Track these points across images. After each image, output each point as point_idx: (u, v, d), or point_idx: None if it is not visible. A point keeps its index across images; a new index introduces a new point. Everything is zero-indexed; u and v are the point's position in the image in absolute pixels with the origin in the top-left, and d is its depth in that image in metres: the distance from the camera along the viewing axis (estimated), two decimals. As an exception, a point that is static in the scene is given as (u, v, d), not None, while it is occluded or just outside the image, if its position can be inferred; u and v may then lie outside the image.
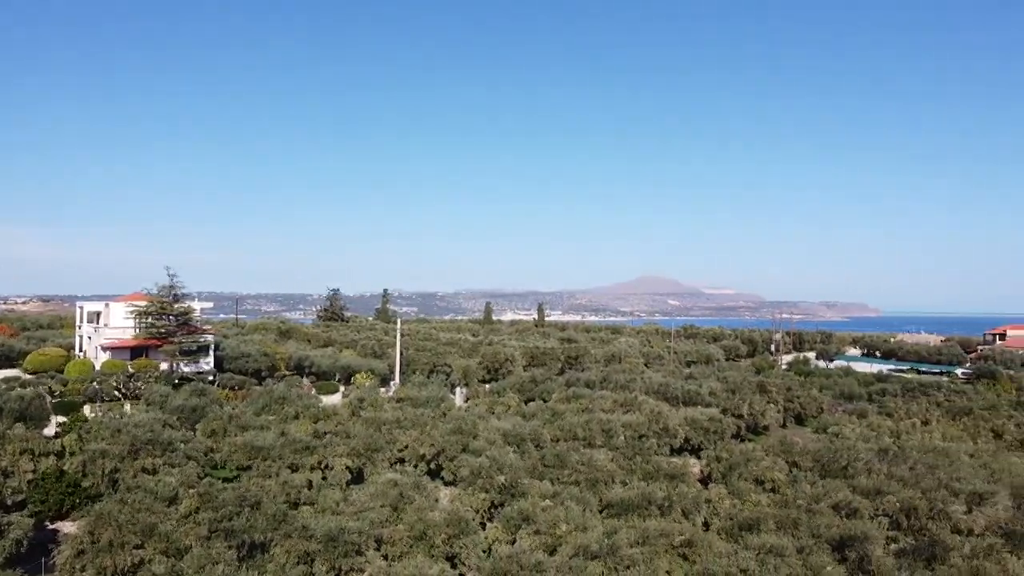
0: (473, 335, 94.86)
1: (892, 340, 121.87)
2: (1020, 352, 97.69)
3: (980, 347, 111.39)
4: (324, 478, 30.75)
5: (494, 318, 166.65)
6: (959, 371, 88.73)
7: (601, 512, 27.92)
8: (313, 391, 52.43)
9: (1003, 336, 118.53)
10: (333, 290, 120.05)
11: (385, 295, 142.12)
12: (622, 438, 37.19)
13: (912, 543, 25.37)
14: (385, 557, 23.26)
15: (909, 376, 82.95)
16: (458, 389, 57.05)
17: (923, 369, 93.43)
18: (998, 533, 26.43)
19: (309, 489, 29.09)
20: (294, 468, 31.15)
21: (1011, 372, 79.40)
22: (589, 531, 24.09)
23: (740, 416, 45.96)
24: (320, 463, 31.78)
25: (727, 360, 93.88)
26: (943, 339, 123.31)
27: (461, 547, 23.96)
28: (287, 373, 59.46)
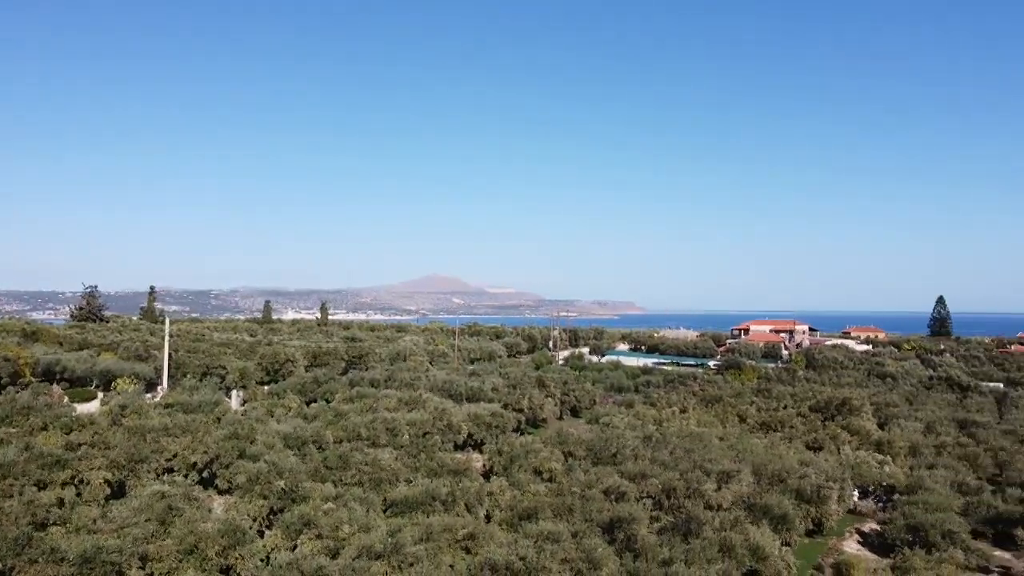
0: (251, 335, 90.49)
1: (656, 335, 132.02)
2: (760, 345, 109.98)
3: (728, 341, 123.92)
4: (79, 494, 27.83)
5: (274, 317, 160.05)
6: (711, 363, 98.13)
7: (385, 512, 27.74)
8: (65, 399, 47.30)
9: (747, 331, 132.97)
10: (90, 287, 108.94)
11: (152, 293, 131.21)
12: (407, 436, 37.17)
13: (672, 521, 27.69)
14: (151, 575, 21.51)
15: (670, 368, 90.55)
16: (234, 392, 54.11)
17: (682, 362, 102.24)
18: (742, 506, 29.62)
19: (60, 507, 26.16)
20: (42, 485, 27.89)
21: (753, 363, 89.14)
22: (372, 531, 23.82)
23: (520, 410, 47.65)
24: (74, 478, 28.72)
25: (509, 356, 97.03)
26: (698, 334, 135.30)
27: (237, 558, 22.72)
28: (33, 380, 53.12)
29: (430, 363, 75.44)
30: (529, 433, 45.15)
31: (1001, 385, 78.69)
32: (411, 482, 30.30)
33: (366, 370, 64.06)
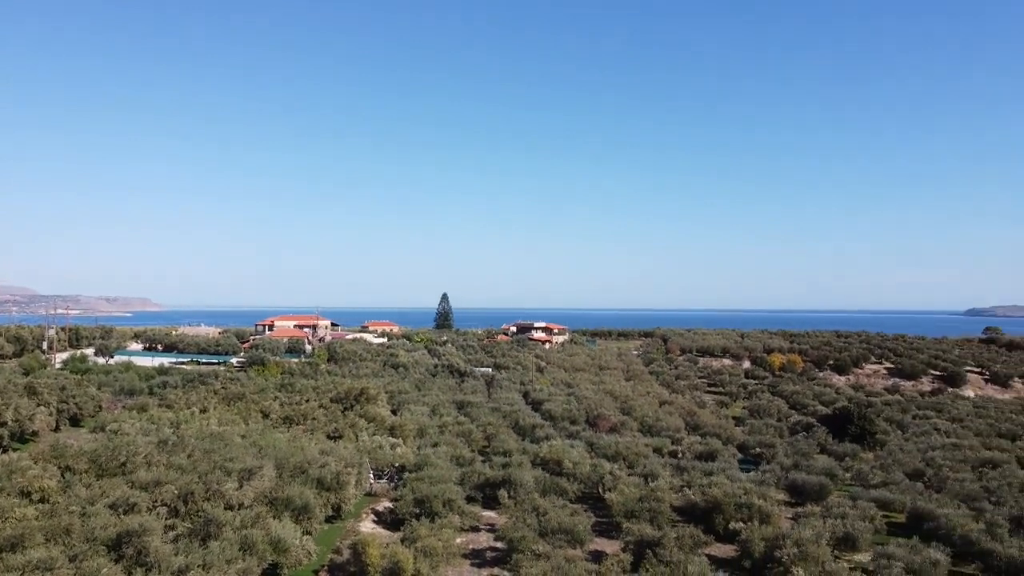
0: None
1: (174, 333, 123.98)
2: (285, 340, 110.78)
3: (253, 337, 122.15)
4: None
5: None
6: (235, 360, 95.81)
7: None
8: None
9: (271, 327, 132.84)
10: None
11: None
12: None
13: (189, 526, 26.33)
14: None
15: (190, 367, 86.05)
16: None
17: (203, 360, 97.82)
18: (264, 502, 29.57)
19: None
20: None
21: (277, 358, 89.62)
22: None
23: (4, 424, 40.78)
24: None
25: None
26: (221, 331, 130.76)
27: None
28: None
29: None
30: (15, 450, 38.76)
31: (490, 370, 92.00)
32: None
33: None
